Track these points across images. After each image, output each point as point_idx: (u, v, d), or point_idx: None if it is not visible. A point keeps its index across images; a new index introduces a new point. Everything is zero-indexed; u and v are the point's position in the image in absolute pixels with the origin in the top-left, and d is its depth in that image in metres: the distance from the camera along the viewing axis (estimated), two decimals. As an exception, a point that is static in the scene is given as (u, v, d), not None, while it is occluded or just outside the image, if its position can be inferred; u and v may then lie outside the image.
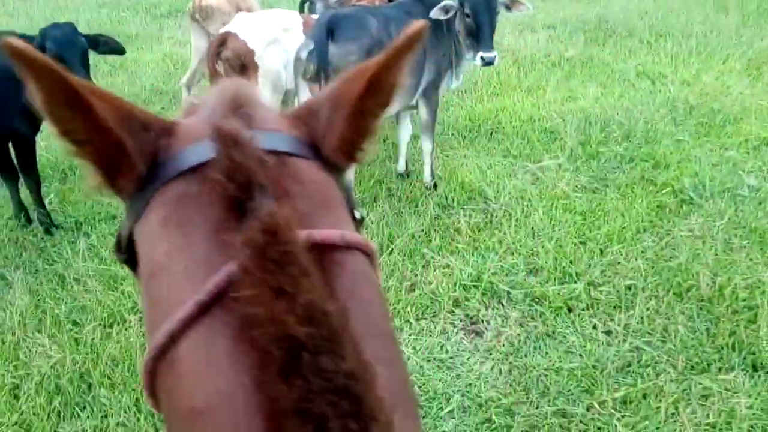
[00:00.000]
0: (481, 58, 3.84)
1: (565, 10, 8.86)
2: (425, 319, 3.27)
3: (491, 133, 5.31)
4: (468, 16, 3.82)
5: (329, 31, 3.40)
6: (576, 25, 7.84)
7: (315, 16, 4.19)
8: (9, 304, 3.32)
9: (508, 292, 3.39)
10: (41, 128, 3.90)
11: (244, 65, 3.91)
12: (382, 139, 5.32)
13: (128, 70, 6.96)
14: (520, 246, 3.73)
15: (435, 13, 3.78)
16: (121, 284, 3.45)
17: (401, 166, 4.65)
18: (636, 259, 3.53)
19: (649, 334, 3.05)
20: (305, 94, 3.57)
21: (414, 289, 3.45)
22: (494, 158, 4.87)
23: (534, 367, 2.91)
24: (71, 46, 3.53)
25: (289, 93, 4.21)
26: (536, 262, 3.60)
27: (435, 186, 4.43)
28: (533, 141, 5.06)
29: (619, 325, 3.09)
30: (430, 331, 3.17)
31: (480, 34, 3.83)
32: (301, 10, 5.39)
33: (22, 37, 3.63)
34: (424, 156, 4.40)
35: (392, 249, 3.72)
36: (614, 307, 3.23)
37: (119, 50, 3.88)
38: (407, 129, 4.52)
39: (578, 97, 5.78)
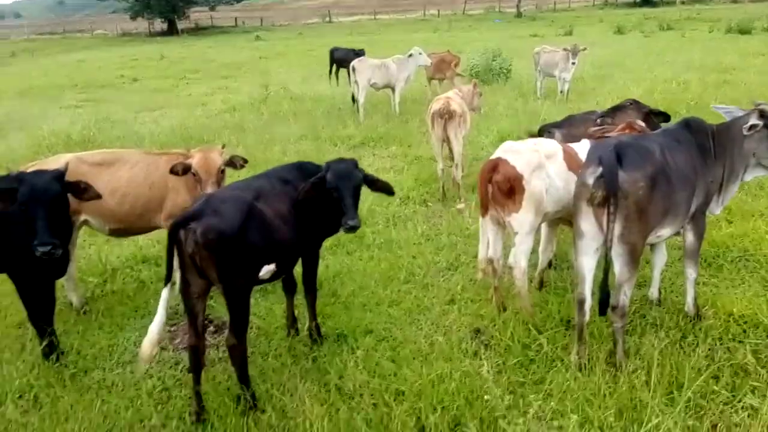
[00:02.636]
0: None
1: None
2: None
3: (738, 261, 4.98)
4: None
5: (618, 157, 3.46)
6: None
7: (575, 146, 4.38)
8: (303, 414, 3.43)
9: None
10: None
11: (512, 188, 4.07)
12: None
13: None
14: (839, 390, 3.30)
15: (746, 131, 3.83)
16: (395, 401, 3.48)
17: (654, 293, 4.44)
18: None
19: None
20: (588, 219, 3.59)
21: (721, 432, 3.12)
22: (752, 288, 4.51)
23: None
24: (348, 179, 3.79)
25: (546, 216, 4.28)
26: None
27: (699, 317, 4.14)
28: (796, 271, 4.65)
29: None
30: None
31: None
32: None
33: (306, 166, 4.06)
34: (688, 284, 4.17)
35: (676, 383, 3.45)
36: None
37: (389, 191, 4.09)
38: (662, 255, 4.37)
39: (835, 226, 5.32)
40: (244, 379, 3.49)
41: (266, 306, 4.80)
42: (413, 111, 12.47)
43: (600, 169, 3.49)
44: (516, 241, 4.19)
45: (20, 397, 3.70)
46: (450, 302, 4.76)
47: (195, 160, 4.39)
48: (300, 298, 4.42)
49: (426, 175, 8.05)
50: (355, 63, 11.88)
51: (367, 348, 4.12)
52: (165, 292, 3.29)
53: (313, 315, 4.19)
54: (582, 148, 4.43)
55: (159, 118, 13.51)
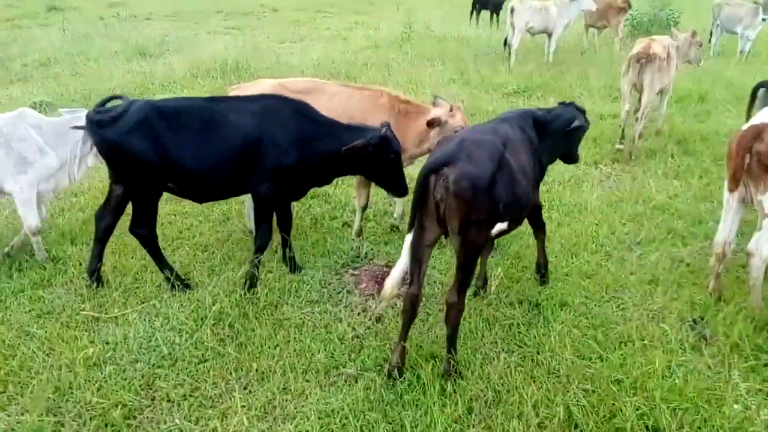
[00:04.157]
0: None
1: None
2: None
3: None
4: None
5: None
6: None
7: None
8: (511, 388, 3.15)
9: None
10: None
11: (777, 162, 3.43)
12: None
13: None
14: None
15: None
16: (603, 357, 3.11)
17: None
18: None
19: None
20: None
21: None
22: None
23: None
24: None
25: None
26: None
27: None
28: None
29: None
30: None
31: None
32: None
33: (535, 113, 3.80)
34: None
35: None
36: None
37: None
38: None
39: None
40: (453, 340, 3.23)
41: (445, 260, 4.53)
42: (570, 61, 11.52)
43: None
44: (764, 225, 3.57)
45: (214, 324, 3.69)
46: (651, 282, 4.25)
47: (458, 118, 4.34)
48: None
49: (595, 133, 7.33)
50: (514, 4, 11.06)
51: (564, 322, 3.75)
52: (409, 238, 3.09)
53: (544, 262, 4.07)
54: None
55: (303, 50, 13.44)
